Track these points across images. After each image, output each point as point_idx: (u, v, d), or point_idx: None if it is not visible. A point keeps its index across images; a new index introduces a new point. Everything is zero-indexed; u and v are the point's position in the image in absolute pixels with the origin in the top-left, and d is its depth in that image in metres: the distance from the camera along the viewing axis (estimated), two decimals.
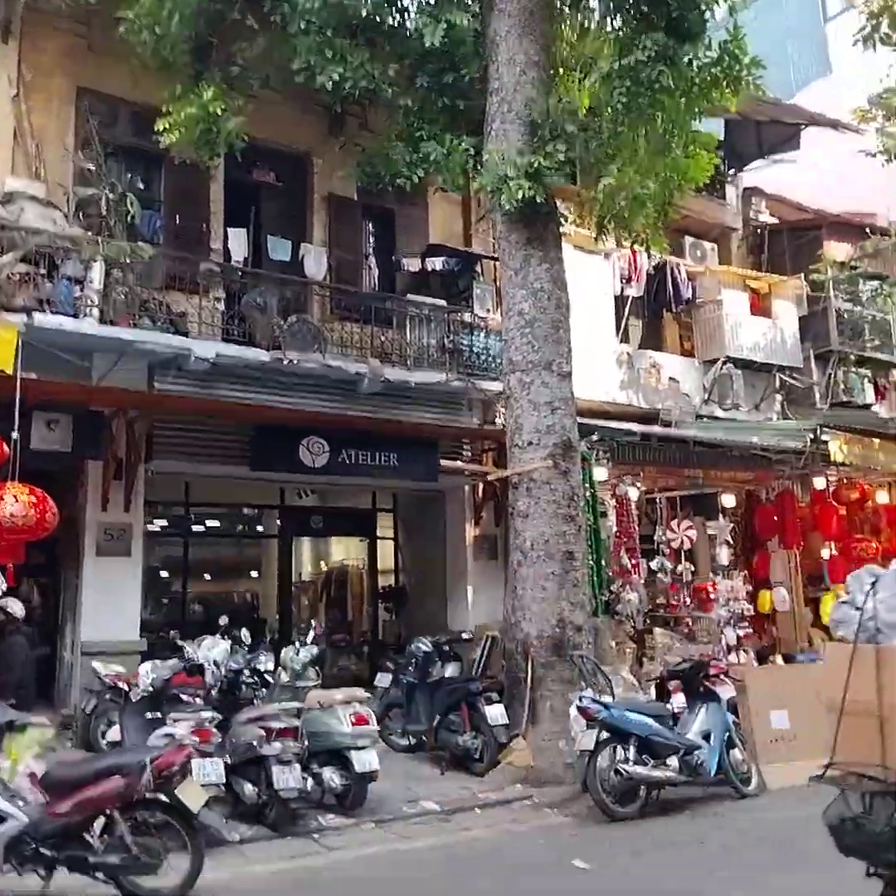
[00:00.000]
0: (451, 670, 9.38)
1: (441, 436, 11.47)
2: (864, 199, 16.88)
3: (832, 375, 15.50)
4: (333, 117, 11.51)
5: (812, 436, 12.40)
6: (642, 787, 7.29)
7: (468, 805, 7.44)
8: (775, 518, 13.55)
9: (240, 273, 10.31)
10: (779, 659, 11.30)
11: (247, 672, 7.79)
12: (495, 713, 8.37)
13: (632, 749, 7.26)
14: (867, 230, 14.54)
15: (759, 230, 16.82)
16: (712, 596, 12.36)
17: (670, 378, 14.59)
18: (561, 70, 11.13)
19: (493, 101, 9.76)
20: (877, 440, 13.18)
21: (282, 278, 10.65)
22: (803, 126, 16.21)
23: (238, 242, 10.54)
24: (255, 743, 6.54)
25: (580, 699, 7.46)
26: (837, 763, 4.12)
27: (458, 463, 11.34)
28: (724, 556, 12.82)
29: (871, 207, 16.80)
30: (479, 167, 9.72)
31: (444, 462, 11.05)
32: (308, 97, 10.59)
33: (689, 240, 15.84)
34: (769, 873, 5.74)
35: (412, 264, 12.08)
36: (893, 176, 17.11)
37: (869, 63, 13.91)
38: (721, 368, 14.81)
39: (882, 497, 13.88)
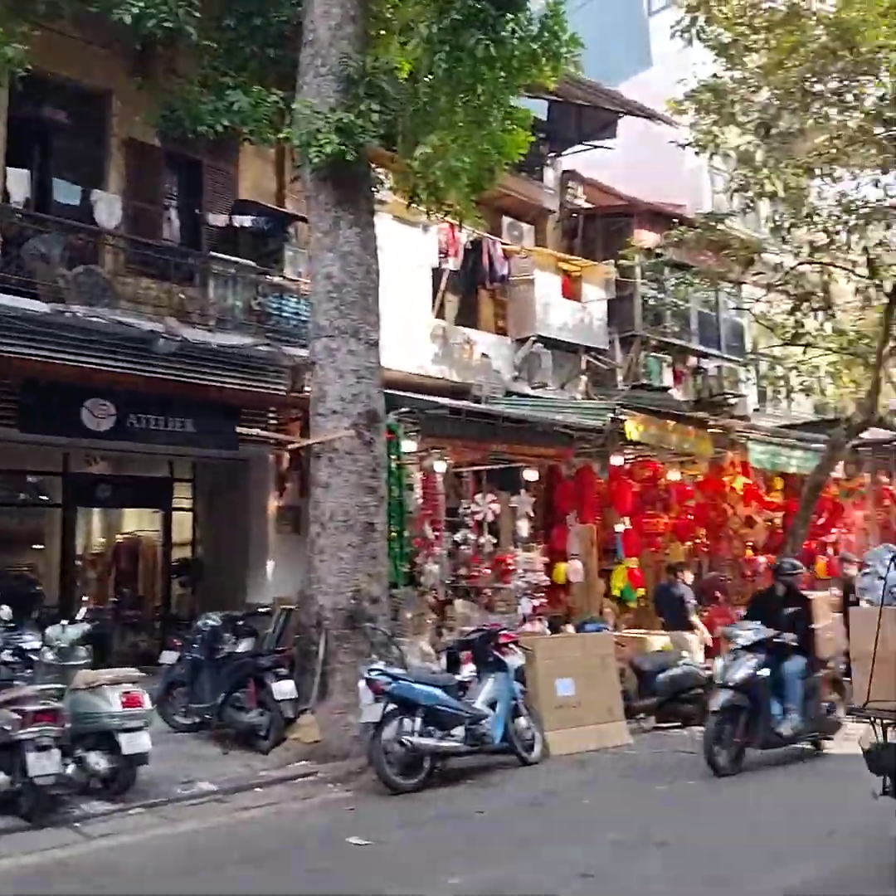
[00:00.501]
0: (244, 646, 9.03)
1: (244, 403, 11.02)
2: (676, 190, 17.64)
3: (634, 358, 16.19)
4: (136, 56, 10.71)
5: (611, 415, 12.82)
6: (426, 758, 7.28)
7: (248, 784, 7.18)
8: (575, 493, 13.99)
9: (18, 216, 9.41)
10: (570, 628, 11.67)
11: (7, 652, 7.16)
12: (283, 688, 8.13)
13: (418, 720, 7.23)
14: (675, 220, 15.16)
15: (574, 214, 17.24)
16: (511, 567, 12.61)
17: (483, 354, 14.75)
18: (383, 32, 10.85)
19: (306, 54, 9.37)
20: (671, 422, 13.82)
21: (69, 225, 9.83)
22: (621, 114, 16.71)
23: (18, 183, 9.62)
24: (7, 727, 6.00)
25: (369, 671, 7.34)
26: (873, 701, 5.02)
27: (260, 431, 10.92)
28: (524, 529, 13.11)
29: (681, 198, 17.61)
30: (289, 122, 9.33)
31: (245, 430, 10.61)
32: (109, 32, 9.78)
33: (507, 219, 16.03)
34: (532, 845, 5.83)
35: (218, 220, 11.50)
36: (704, 169, 18.09)
37: (688, 58, 14.44)
38: (531, 347, 15.13)
39: (673, 476, 14.60)
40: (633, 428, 13.02)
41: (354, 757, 7.70)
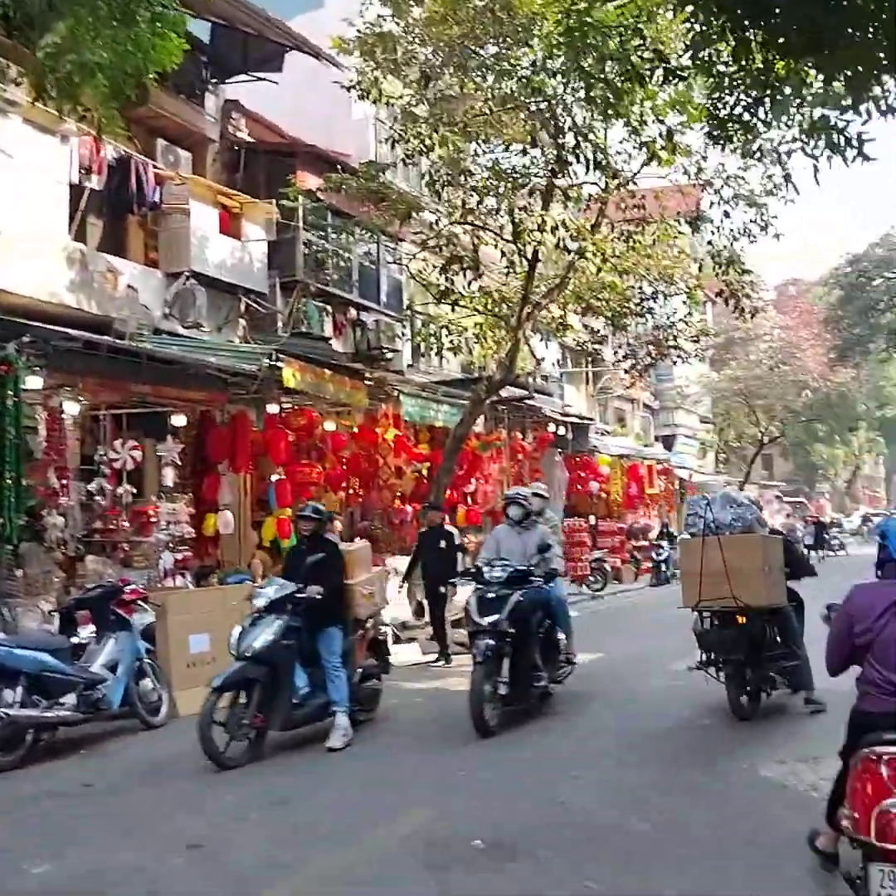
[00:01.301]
0: None
1: None
2: (343, 137, 17.38)
3: (294, 305, 15.82)
4: None
5: (268, 361, 12.36)
6: (30, 731, 6.47)
7: None
8: (228, 441, 13.40)
9: None
10: (214, 581, 11.20)
11: None
12: None
13: (19, 690, 6.39)
14: (339, 167, 14.88)
15: (236, 147, 16.36)
16: (153, 519, 11.80)
17: (129, 286, 13.50)
18: None
19: None
20: (328, 371, 13.68)
21: None
22: (287, 48, 16.05)
23: None
24: None
25: None
26: (704, 600, 7.39)
27: None
28: (169, 478, 12.31)
29: (348, 147, 17.40)
30: None
31: None
32: None
33: (162, 142, 14.79)
34: (142, 817, 5.37)
35: None
36: (371, 120, 17.98)
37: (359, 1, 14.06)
38: (184, 283, 14.15)
39: (329, 426, 14.53)
40: (291, 375, 12.69)
41: None
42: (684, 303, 16.68)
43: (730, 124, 5.96)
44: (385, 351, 17.79)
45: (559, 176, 12.07)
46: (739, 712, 7.39)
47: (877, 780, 3.46)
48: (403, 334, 17.35)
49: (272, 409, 13.71)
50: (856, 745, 3.72)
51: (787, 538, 9.23)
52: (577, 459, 24.48)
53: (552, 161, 11.86)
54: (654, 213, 14.97)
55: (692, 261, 15.79)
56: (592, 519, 24.86)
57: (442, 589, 11.20)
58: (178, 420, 12.45)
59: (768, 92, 5.78)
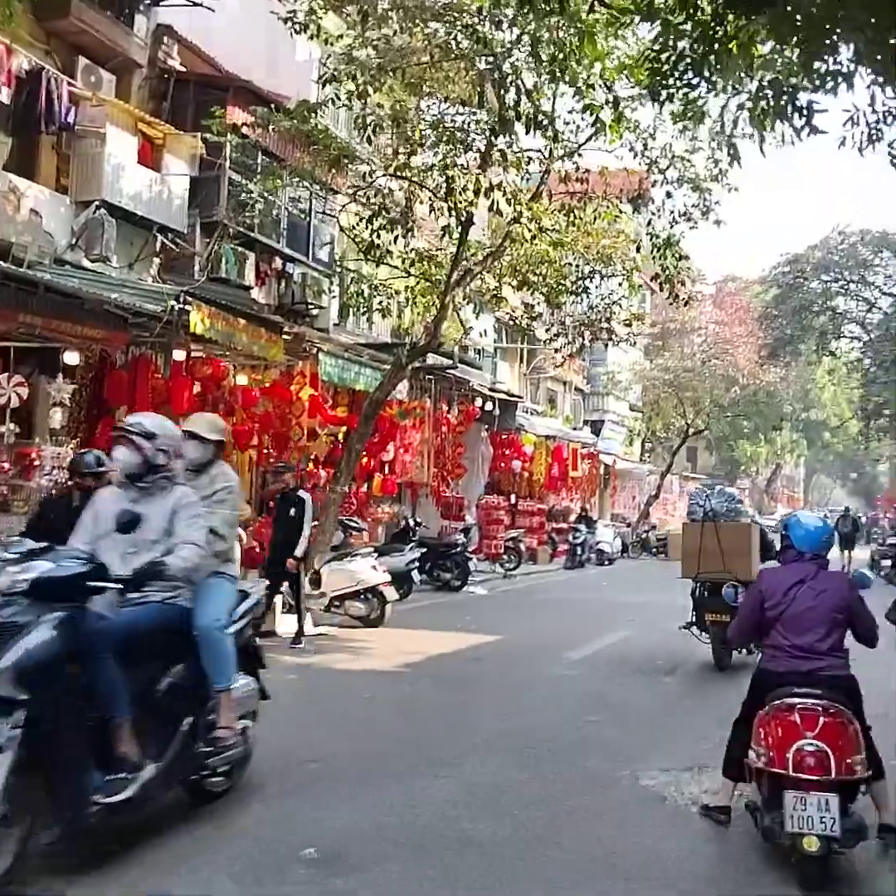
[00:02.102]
0: None
1: None
2: (286, 80, 16.41)
3: (215, 248, 14.94)
4: None
5: (174, 303, 11.53)
6: None
7: None
8: (128, 386, 12.57)
9: None
10: None
11: None
12: None
13: None
14: (273, 107, 14.00)
15: (166, 75, 15.32)
16: (35, 463, 10.96)
17: (32, 211, 12.47)
18: None
19: None
20: (242, 320, 12.88)
21: None
22: None
23: None
24: None
25: None
26: (702, 572, 9.35)
27: None
28: (57, 419, 11.45)
29: (290, 90, 16.43)
30: None
31: None
32: None
33: (83, 61, 13.72)
34: None
35: None
36: (315, 64, 17.03)
37: None
38: (94, 213, 13.18)
39: (241, 379, 13.78)
40: (199, 320, 11.86)
41: None
42: (620, 285, 16.31)
43: (672, 80, 5.46)
44: (310, 306, 17.03)
45: (499, 136, 11.47)
46: (721, 664, 9.14)
47: (790, 725, 4.27)
48: (331, 291, 16.61)
49: (179, 355, 12.89)
50: (762, 701, 4.51)
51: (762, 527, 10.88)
52: (503, 437, 24.12)
53: (494, 120, 11.25)
54: (598, 189, 14.53)
55: (632, 243, 15.38)
56: (513, 498, 24.59)
57: (291, 562, 9.92)
58: (71, 358, 11.59)
59: (715, 48, 5.29)
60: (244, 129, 14.34)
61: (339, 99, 11.09)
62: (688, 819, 4.69)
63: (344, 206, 14.30)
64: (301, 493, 10.52)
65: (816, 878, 4.02)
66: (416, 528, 17.28)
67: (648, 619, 13.19)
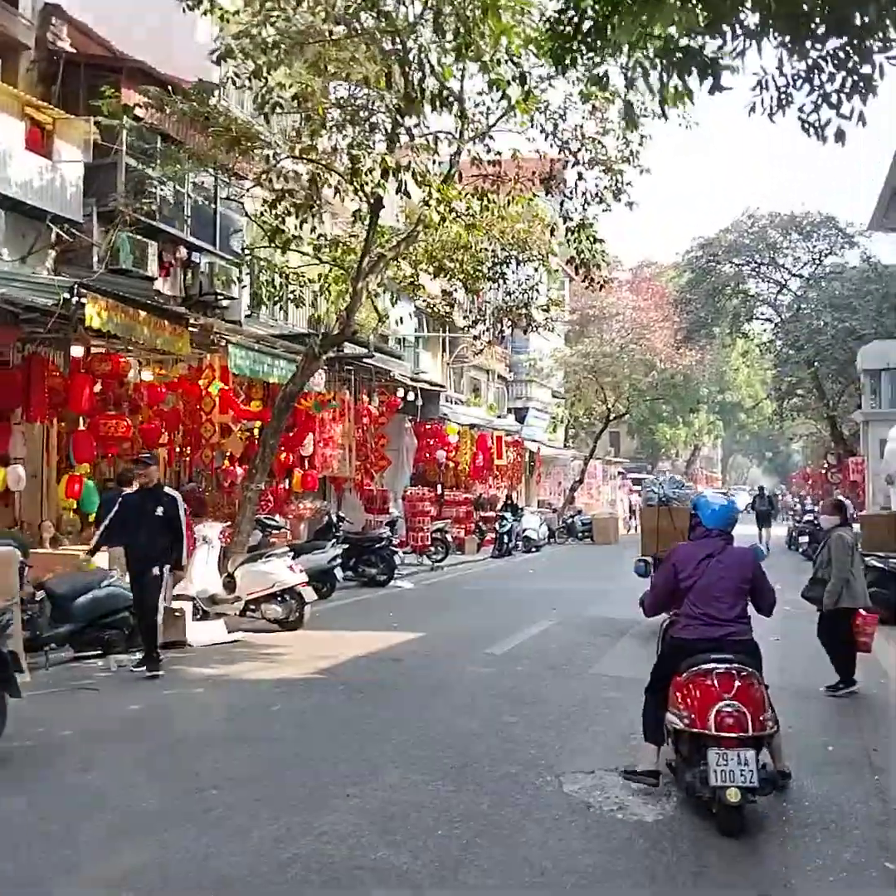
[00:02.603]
0: None
1: None
2: (184, 58, 15.65)
3: (114, 238, 14.19)
4: None
5: (67, 295, 10.86)
6: None
7: None
8: (22, 386, 11.83)
9: None
10: None
11: None
12: None
13: None
14: (170, 88, 13.32)
15: (56, 57, 14.47)
16: None
17: None
18: None
19: None
20: (143, 312, 12.24)
21: None
22: None
23: None
24: None
25: None
26: (661, 551, 9.74)
27: None
28: None
29: (187, 71, 15.70)
30: None
31: None
32: None
33: None
34: None
35: None
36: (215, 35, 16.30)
37: None
38: None
39: (145, 375, 13.12)
40: (96, 314, 11.22)
41: None
42: (536, 270, 16.11)
43: (575, 43, 5.16)
44: (220, 297, 16.40)
45: (406, 116, 11.06)
46: None
47: (707, 689, 4.66)
48: (240, 280, 16.02)
49: (77, 351, 12.22)
50: (676, 668, 4.89)
51: None
52: (427, 427, 23.80)
53: (400, 99, 10.84)
54: (511, 172, 14.27)
55: (546, 228, 15.17)
56: (440, 488, 24.31)
57: (155, 571, 8.24)
58: None
59: (618, 8, 5.01)
60: (139, 112, 13.66)
61: (238, 78, 10.53)
62: (611, 828, 4.42)
63: (248, 190, 13.72)
64: (168, 490, 8.94)
65: (736, 825, 4.43)
66: (340, 524, 16.84)
67: (572, 608, 13.06)
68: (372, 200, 11.84)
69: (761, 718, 4.60)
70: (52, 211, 13.44)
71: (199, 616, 10.52)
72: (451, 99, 10.54)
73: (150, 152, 14.32)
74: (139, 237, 14.61)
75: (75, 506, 12.25)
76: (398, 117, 11.35)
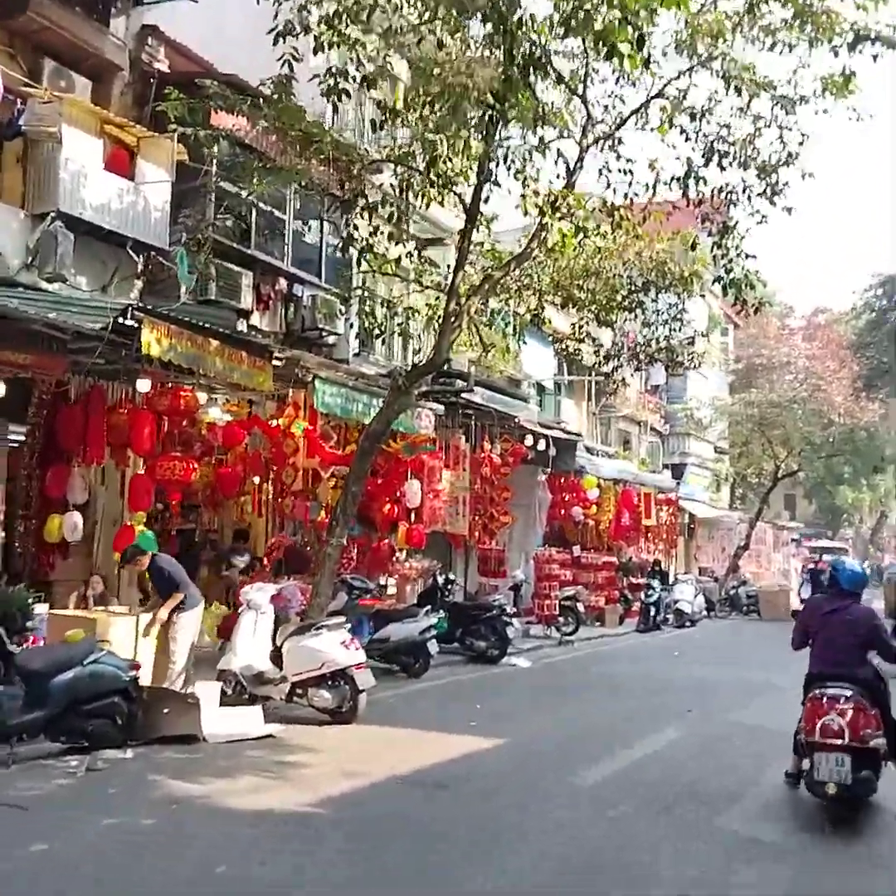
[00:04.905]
0: None
1: None
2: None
3: (200, 265, 12.98)
4: None
5: (118, 318, 9.51)
6: None
7: None
8: (81, 423, 10.64)
9: None
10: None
11: None
12: None
13: None
14: (262, 101, 12.07)
15: (151, 79, 13.64)
16: None
17: None
18: None
19: None
20: (215, 341, 10.76)
21: None
22: None
23: None
24: None
25: None
26: None
27: None
28: None
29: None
30: None
31: None
32: None
33: (50, 63, 12.14)
34: None
35: None
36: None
37: None
38: (49, 226, 11.39)
39: (215, 412, 11.65)
40: (154, 340, 9.82)
41: None
42: (679, 296, 13.71)
43: None
44: (324, 333, 14.97)
45: (504, 102, 9.08)
46: None
47: (819, 707, 6.15)
48: (343, 312, 14.52)
49: (143, 386, 10.88)
50: (807, 693, 6.44)
51: None
52: (562, 480, 21.46)
53: (498, 81, 8.95)
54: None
55: (687, 243, 12.82)
56: (577, 550, 21.80)
57: None
58: None
59: None
60: (228, 124, 12.46)
61: (296, 60, 8.95)
62: None
63: (336, 202, 12.08)
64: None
65: (838, 815, 5.93)
66: (450, 587, 14.79)
67: (716, 707, 10.31)
68: (467, 203, 9.92)
69: (862, 733, 5.86)
70: (133, 236, 12.42)
71: (246, 696, 8.68)
72: (562, 78, 8.53)
73: (241, 170, 13.07)
74: (231, 266, 13.40)
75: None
76: (497, 103, 9.38)
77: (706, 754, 8.05)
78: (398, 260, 11.87)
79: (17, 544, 10.75)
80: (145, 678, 7.69)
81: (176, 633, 8.28)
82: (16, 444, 11.16)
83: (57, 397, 11.13)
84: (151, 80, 13.58)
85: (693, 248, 12.40)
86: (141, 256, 12.74)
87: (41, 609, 8.33)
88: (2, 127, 11.22)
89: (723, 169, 10.76)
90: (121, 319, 9.61)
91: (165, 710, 7.01)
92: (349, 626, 8.93)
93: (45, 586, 10.71)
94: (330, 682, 8.40)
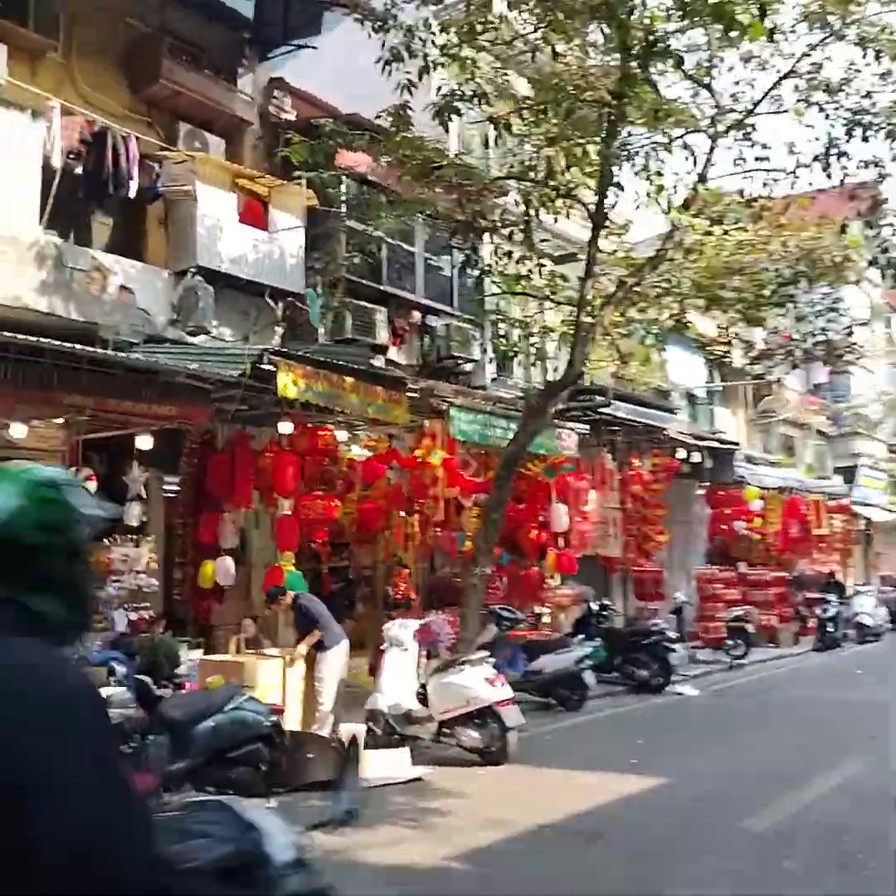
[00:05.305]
0: None
1: None
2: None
3: (339, 307, 13.19)
4: None
5: (255, 362, 9.74)
6: None
7: None
8: (228, 469, 10.95)
9: None
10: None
11: None
12: None
13: None
14: (379, 136, 12.17)
15: (279, 129, 14.08)
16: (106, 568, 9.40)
17: (123, 287, 11.36)
18: None
19: None
20: (349, 379, 10.84)
21: None
22: (326, 4, 13.66)
23: None
24: None
25: None
26: None
27: None
28: (133, 515, 9.86)
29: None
30: None
31: None
32: None
33: (184, 126, 12.75)
34: None
35: None
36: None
37: None
38: (191, 282, 11.87)
39: (355, 449, 11.73)
40: (290, 382, 10.00)
41: None
42: (831, 284, 12.75)
43: None
44: (460, 362, 14.90)
45: (622, 98, 8.67)
46: None
47: None
48: (477, 338, 14.37)
49: (285, 428, 11.09)
50: None
51: None
52: (720, 493, 20.43)
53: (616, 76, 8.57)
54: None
55: (837, 227, 11.92)
56: (742, 566, 20.64)
57: None
58: (144, 442, 10.06)
59: None
60: (352, 164, 12.62)
61: (412, 84, 8.87)
62: None
63: (462, 228, 11.96)
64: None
65: None
66: (605, 613, 14.24)
67: None
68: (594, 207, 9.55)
69: None
70: (271, 284, 12.77)
71: (396, 736, 8.54)
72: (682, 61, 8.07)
73: (367, 207, 13.20)
74: (364, 303, 13.55)
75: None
76: (617, 101, 8.97)
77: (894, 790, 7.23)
78: (527, 277, 11.60)
79: (176, 591, 11.14)
80: (294, 722, 7.69)
81: (320, 673, 8.27)
82: (170, 495, 11.65)
83: (205, 446, 11.51)
84: (279, 131, 14.05)
85: (843, 231, 11.50)
86: (279, 303, 13.10)
87: (193, 655, 8.50)
88: (143, 192, 11.80)
89: (865, 140, 9.97)
90: (258, 364, 9.87)
91: (310, 755, 6.94)
92: (493, 660, 8.64)
93: (206, 631, 11.07)
94: (477, 721, 8.13)
